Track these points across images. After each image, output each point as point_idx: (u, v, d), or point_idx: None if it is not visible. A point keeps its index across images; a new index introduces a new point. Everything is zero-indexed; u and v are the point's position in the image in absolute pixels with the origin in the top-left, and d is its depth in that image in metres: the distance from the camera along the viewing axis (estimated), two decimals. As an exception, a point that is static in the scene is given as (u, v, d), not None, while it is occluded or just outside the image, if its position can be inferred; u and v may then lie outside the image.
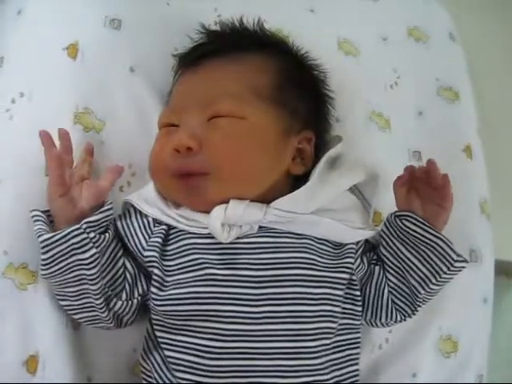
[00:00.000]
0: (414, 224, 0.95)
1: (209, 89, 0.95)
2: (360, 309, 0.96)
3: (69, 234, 0.86)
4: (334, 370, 0.92)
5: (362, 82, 1.19)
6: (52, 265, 0.87)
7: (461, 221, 1.15)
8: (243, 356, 0.86)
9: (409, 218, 0.95)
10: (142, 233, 0.94)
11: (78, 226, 0.87)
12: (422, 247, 0.95)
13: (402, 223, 0.96)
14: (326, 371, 0.90)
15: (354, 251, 0.96)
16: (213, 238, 0.90)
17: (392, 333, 1.09)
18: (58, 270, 0.88)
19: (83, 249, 0.87)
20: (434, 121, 1.23)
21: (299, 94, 0.98)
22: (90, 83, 1.05)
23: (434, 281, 0.95)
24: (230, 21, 1.04)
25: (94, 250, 0.88)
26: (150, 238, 0.93)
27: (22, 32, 1.07)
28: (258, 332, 0.87)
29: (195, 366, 0.87)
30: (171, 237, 0.93)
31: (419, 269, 0.95)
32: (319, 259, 0.91)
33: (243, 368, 0.86)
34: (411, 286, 0.96)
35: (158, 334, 0.91)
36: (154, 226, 0.94)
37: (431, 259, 0.94)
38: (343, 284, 0.93)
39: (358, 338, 0.97)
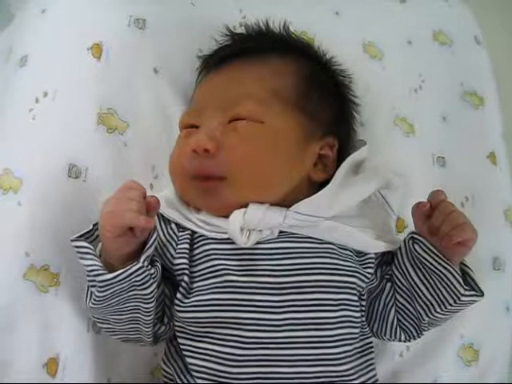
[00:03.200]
0: (424, 251, 0.91)
1: (230, 90, 0.94)
2: (364, 318, 0.95)
3: (133, 273, 0.82)
4: (361, 376, 0.91)
5: (387, 85, 1.18)
6: (107, 300, 0.84)
7: (484, 228, 1.13)
8: (265, 363, 0.86)
9: (420, 244, 0.92)
10: (168, 241, 0.93)
11: (140, 264, 0.82)
12: (431, 275, 0.92)
13: (414, 247, 0.93)
14: (355, 377, 0.89)
15: (373, 261, 0.95)
16: (233, 243, 0.88)
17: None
18: (112, 303, 0.85)
19: (145, 285, 0.84)
20: (459, 126, 1.21)
21: (322, 100, 0.97)
22: (114, 84, 1.04)
23: (438, 310, 0.92)
24: (255, 23, 1.04)
25: (154, 286, 0.85)
26: (177, 245, 0.92)
27: (46, 31, 1.06)
28: (279, 339, 0.86)
29: (217, 373, 0.87)
30: (195, 241, 0.92)
31: (425, 296, 0.93)
32: (342, 263, 0.91)
33: (266, 375, 0.86)
34: (417, 311, 0.95)
35: (180, 340, 0.91)
36: (179, 232, 0.93)
37: (438, 289, 0.91)
38: (358, 290, 0.92)
39: (371, 343, 0.96)
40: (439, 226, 0.89)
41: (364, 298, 0.95)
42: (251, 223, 0.87)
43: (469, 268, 0.93)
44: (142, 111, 1.05)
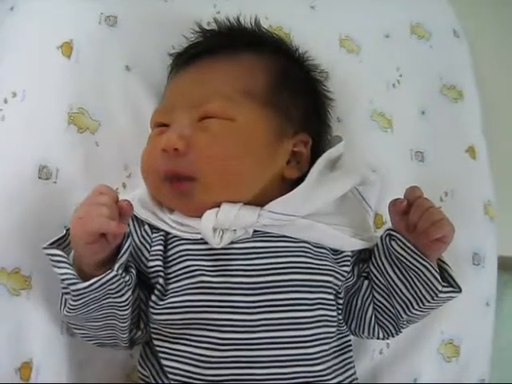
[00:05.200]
0: (401, 247, 0.91)
1: (200, 88, 0.93)
2: (341, 317, 0.95)
3: (107, 281, 0.80)
4: (338, 375, 0.91)
5: (364, 80, 1.17)
6: (82, 309, 0.82)
7: (464, 223, 1.13)
8: (241, 365, 0.85)
9: (397, 241, 0.91)
10: (142, 244, 0.91)
11: (115, 272, 0.81)
12: (408, 272, 0.91)
13: (391, 244, 0.92)
14: (331, 376, 0.89)
15: (349, 259, 0.94)
16: (206, 243, 0.87)
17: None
18: (87, 311, 0.83)
19: (120, 293, 0.83)
20: (437, 120, 1.20)
21: (295, 96, 0.96)
22: (85, 82, 1.02)
23: (416, 307, 0.92)
24: (226, 19, 1.02)
25: (129, 293, 0.84)
26: (150, 247, 0.91)
27: (15, 29, 1.04)
28: (254, 340, 0.85)
29: (192, 375, 0.85)
30: (169, 242, 0.91)
31: (403, 293, 0.92)
32: (317, 262, 0.90)
33: (241, 377, 0.85)
34: (395, 308, 0.94)
35: (155, 342, 0.90)
36: (152, 233, 0.92)
37: (416, 286, 0.90)
38: (334, 289, 0.92)
39: (349, 341, 0.96)
40: (416, 222, 0.88)
41: (341, 296, 0.94)
42: (224, 223, 0.86)
43: (446, 264, 0.92)
44: (114, 110, 1.03)
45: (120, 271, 0.82)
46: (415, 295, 0.91)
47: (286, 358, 0.85)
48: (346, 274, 0.93)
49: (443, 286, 0.89)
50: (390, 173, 1.11)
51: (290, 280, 0.87)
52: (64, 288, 0.82)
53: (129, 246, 0.84)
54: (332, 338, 0.91)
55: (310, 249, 0.90)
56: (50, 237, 0.91)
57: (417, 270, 0.89)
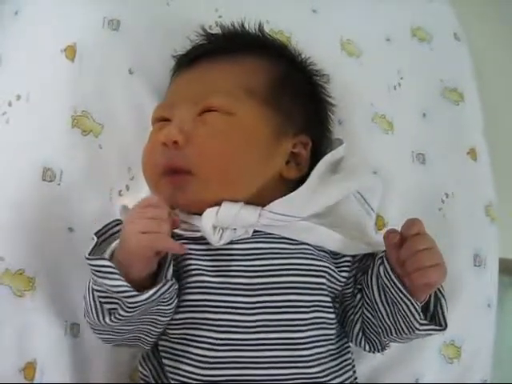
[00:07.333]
0: (387, 278, 0.87)
1: (202, 85, 0.94)
2: (336, 320, 0.94)
3: (165, 291, 0.80)
4: (336, 377, 0.90)
5: (365, 83, 1.17)
6: (132, 318, 0.81)
7: (465, 225, 1.15)
8: (238, 365, 0.85)
9: (384, 271, 0.88)
10: None
11: (170, 282, 0.81)
12: (391, 301, 0.88)
13: (379, 269, 0.89)
14: (328, 378, 0.89)
15: (349, 264, 0.94)
16: (207, 243, 0.88)
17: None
18: (130, 319, 0.82)
19: (170, 301, 0.84)
20: (439, 123, 1.20)
21: (296, 99, 0.97)
22: (88, 85, 1.03)
23: (395, 335, 0.90)
24: (230, 23, 1.03)
25: (176, 300, 0.85)
26: None
27: (19, 33, 1.05)
28: (252, 341, 0.85)
29: (190, 375, 0.86)
30: None
31: (384, 318, 0.90)
32: (317, 263, 0.90)
33: (238, 377, 0.85)
34: (377, 328, 0.92)
35: (158, 342, 0.90)
36: None
37: (396, 316, 0.88)
38: (330, 291, 0.92)
39: (347, 343, 0.96)
40: (405, 261, 0.84)
41: (337, 300, 0.95)
42: (224, 221, 0.87)
43: (442, 294, 0.89)
44: (118, 113, 1.04)
45: (173, 280, 0.82)
46: (394, 324, 0.89)
47: (281, 359, 0.86)
48: (343, 279, 0.93)
49: (422, 325, 0.86)
50: (391, 175, 1.11)
51: (287, 282, 0.88)
52: (110, 298, 0.80)
53: (173, 254, 0.84)
54: (329, 340, 0.91)
55: (310, 250, 0.91)
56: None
57: (397, 303, 0.87)
